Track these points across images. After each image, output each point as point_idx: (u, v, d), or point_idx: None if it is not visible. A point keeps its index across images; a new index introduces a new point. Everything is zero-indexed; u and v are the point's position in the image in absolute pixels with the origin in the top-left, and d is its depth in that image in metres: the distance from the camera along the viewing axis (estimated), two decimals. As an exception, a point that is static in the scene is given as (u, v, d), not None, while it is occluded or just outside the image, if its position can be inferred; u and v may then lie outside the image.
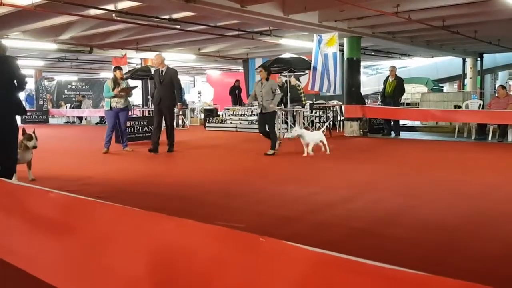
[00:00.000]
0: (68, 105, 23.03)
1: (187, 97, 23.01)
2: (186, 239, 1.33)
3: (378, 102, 14.43)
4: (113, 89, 8.63)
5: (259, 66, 8.47)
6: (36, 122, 19.95)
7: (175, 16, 10.37)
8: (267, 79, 8.27)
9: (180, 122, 16.68)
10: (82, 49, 15.38)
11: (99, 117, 19.97)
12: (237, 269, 1.17)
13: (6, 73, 4.88)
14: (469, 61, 19.35)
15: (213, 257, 1.23)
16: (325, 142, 8.44)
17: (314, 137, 8.44)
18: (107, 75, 23.97)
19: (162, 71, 8.55)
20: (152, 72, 9.37)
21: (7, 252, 1.93)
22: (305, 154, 8.11)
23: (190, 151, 9.42)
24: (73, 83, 25.41)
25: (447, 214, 4.31)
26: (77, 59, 18.54)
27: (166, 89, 8.58)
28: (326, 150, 8.38)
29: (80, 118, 21.15)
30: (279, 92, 8.50)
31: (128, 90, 8.89)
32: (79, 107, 22.07)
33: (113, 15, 9.36)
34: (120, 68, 9.10)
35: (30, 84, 26.45)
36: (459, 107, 12.15)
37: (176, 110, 10.36)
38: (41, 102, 22.17)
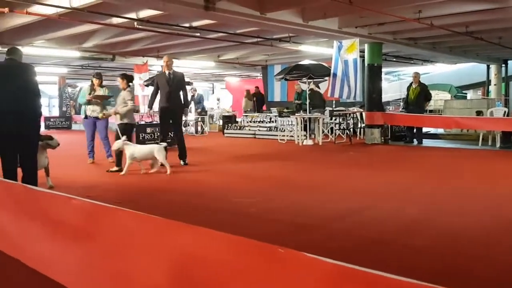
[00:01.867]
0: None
1: (206, 104, 23.15)
2: (204, 247, 1.33)
3: (401, 109, 14.25)
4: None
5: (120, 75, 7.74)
6: (59, 128, 20.35)
7: (195, 24, 10.46)
8: (124, 89, 7.63)
9: (199, 128, 16.78)
10: (104, 57, 15.65)
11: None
12: (255, 279, 1.16)
13: (30, 79, 5.01)
14: (493, 68, 18.96)
15: (231, 266, 1.21)
16: (161, 159, 7.11)
17: (141, 151, 7.23)
18: (128, 82, 24.31)
19: (169, 73, 8.01)
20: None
21: (29, 256, 1.95)
22: (122, 172, 7.07)
23: (205, 158, 9.43)
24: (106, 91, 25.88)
25: (468, 224, 4.20)
26: (99, 66, 18.86)
27: (175, 93, 8.03)
28: (167, 171, 7.13)
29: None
30: (131, 103, 7.62)
31: (102, 98, 8.33)
32: (101, 113, 22.41)
33: (135, 23, 9.50)
34: (99, 75, 8.54)
35: (54, 91, 27.04)
36: (481, 113, 11.89)
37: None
38: (64, 109, 22.62)
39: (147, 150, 7.29)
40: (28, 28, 10.43)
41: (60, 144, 5.92)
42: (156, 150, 7.14)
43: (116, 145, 7.17)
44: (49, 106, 39.39)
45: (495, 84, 18.80)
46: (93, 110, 8.22)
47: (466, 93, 22.48)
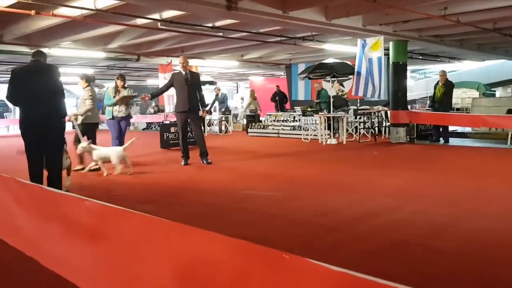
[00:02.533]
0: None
1: (230, 103, 23.24)
2: (210, 251, 1.32)
3: (427, 107, 13.98)
4: (114, 97, 8.41)
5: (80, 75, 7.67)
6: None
7: (218, 23, 10.51)
8: (84, 88, 7.63)
9: (223, 127, 16.86)
10: (129, 57, 15.89)
11: (146, 123, 20.51)
12: (259, 284, 1.14)
13: (54, 80, 5.09)
14: (524, 64, 18.41)
15: (236, 271, 1.21)
16: (115, 161, 7.10)
17: (104, 153, 7.18)
18: (154, 82, 24.64)
19: (186, 73, 8.00)
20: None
21: (46, 256, 2.00)
22: (105, 174, 7.08)
23: (229, 157, 9.46)
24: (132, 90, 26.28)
25: (494, 226, 4.08)
26: (125, 66, 19.16)
27: (193, 94, 8.01)
28: (128, 170, 7.20)
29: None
30: (90, 103, 7.50)
31: (128, 98, 8.61)
32: (127, 113, 22.72)
33: (158, 24, 9.60)
34: (122, 76, 8.75)
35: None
36: (512, 111, 11.56)
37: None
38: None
39: (107, 152, 7.22)
40: (55, 30, 10.68)
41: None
42: (113, 154, 7.14)
43: (80, 148, 7.16)
44: (76, 106, 40.29)
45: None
46: (119, 111, 8.43)
47: (494, 91, 21.86)
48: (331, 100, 12.42)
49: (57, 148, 5.19)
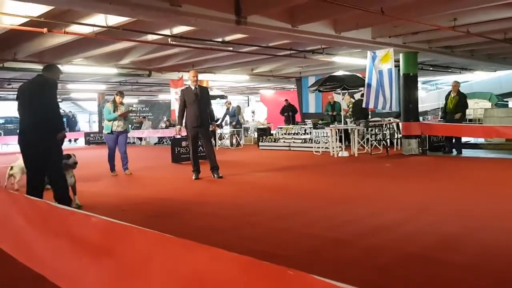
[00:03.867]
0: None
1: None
2: (217, 268, 1.31)
3: (439, 119, 13.86)
4: (114, 112, 8.74)
5: None
6: (99, 143, 20.96)
7: (227, 38, 10.60)
8: None
9: (234, 141, 16.89)
10: (141, 73, 16.09)
11: (158, 137, 20.65)
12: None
13: (45, 95, 4.93)
14: (536, 74, 18.21)
15: (242, 287, 1.19)
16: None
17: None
18: (165, 97, 24.87)
19: (196, 88, 8.05)
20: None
21: (52, 271, 2.00)
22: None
23: (240, 171, 9.45)
24: (134, 105, 26.61)
25: (509, 239, 3.99)
26: (137, 82, 19.40)
27: (204, 108, 8.06)
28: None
29: (140, 139, 21.98)
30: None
31: (127, 113, 8.98)
32: (139, 128, 22.97)
33: (169, 39, 9.72)
34: (121, 93, 9.05)
35: (94, 107, 27.96)
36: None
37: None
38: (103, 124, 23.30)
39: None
40: (67, 47, 10.86)
41: (77, 162, 5.65)
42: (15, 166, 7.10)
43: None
44: (89, 122, 40.80)
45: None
46: (118, 126, 8.78)
47: (507, 101, 21.62)
48: (351, 110, 12.38)
49: (52, 162, 4.97)
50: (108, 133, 8.87)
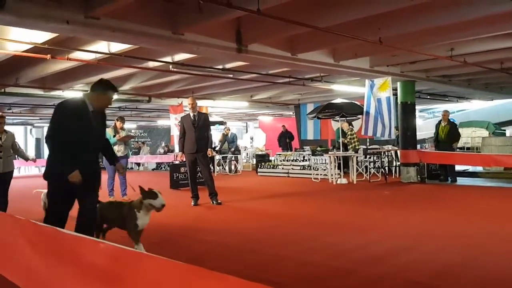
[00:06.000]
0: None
1: (240, 143, 23.39)
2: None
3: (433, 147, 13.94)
4: (114, 137, 8.81)
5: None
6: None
7: (228, 65, 10.74)
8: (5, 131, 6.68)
9: (232, 167, 16.88)
10: (141, 99, 16.20)
11: (156, 163, 20.62)
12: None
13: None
14: (533, 103, 18.41)
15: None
16: None
17: None
18: (164, 122, 24.97)
19: (194, 115, 8.12)
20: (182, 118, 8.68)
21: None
22: None
23: (238, 197, 9.42)
24: (133, 131, 26.69)
25: (509, 268, 3.97)
26: (136, 108, 19.50)
27: (202, 135, 8.08)
28: None
29: (138, 164, 21.94)
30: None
31: (127, 138, 9.09)
32: (137, 153, 22.96)
33: (170, 66, 9.84)
34: (122, 119, 9.16)
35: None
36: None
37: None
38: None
39: None
40: (69, 73, 10.95)
41: (165, 204, 4.54)
42: None
43: None
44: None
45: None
46: (117, 150, 8.81)
47: (504, 130, 21.80)
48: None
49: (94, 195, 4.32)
50: None
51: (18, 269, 2.44)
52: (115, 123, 9.11)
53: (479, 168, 13.24)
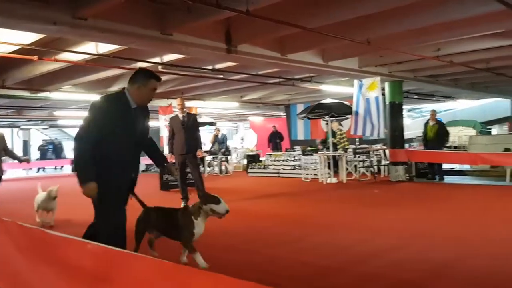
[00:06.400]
0: None
1: (231, 143, 23.38)
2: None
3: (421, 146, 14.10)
4: None
5: None
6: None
7: (218, 66, 10.73)
8: None
9: (223, 168, 16.86)
10: (130, 100, 16.08)
11: (145, 165, 20.50)
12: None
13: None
14: (518, 102, 18.68)
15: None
16: None
17: None
18: (154, 124, 24.80)
19: (183, 116, 8.06)
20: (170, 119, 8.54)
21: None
22: None
23: (229, 198, 9.40)
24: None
25: (499, 265, 4.03)
26: (125, 109, 19.35)
27: (191, 136, 8.03)
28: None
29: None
30: None
31: None
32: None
33: (159, 67, 9.80)
34: None
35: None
36: (509, 149, 11.62)
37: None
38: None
39: None
40: (56, 74, 10.84)
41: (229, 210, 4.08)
42: None
43: None
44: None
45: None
46: None
47: (490, 129, 22.11)
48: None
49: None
50: None
51: (3, 271, 2.42)
52: None
53: (466, 166, 13.40)
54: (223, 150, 17.31)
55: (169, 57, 9.47)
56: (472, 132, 18.73)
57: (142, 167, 20.85)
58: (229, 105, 18.53)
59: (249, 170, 15.59)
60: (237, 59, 8.91)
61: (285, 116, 21.44)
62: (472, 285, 3.58)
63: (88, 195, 3.28)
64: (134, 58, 9.13)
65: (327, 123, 13.38)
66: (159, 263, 1.57)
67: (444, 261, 4.23)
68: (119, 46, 7.94)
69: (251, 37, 7.84)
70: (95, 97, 14.02)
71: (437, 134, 11.72)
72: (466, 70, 11.59)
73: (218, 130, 18.10)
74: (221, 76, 11.57)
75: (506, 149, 11.63)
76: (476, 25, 7.49)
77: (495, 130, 23.61)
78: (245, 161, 18.06)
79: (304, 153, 14.13)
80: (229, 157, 17.40)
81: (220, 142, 17.56)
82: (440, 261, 4.25)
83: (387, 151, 12.97)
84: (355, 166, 13.08)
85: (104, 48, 8.23)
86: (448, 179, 11.87)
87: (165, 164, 4.13)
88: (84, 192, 3.25)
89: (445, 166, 12.59)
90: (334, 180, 12.00)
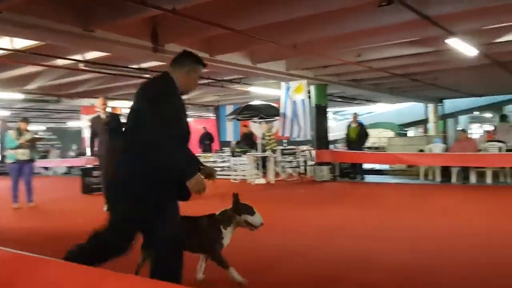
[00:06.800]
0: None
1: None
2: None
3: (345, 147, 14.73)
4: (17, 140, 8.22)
5: None
6: (1, 174, 19.27)
7: (144, 65, 10.46)
8: None
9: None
10: (49, 99, 15.24)
11: (66, 167, 19.50)
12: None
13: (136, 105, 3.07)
14: (430, 107, 20.12)
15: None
16: None
17: None
18: (75, 124, 23.71)
19: (107, 116, 7.82)
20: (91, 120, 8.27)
21: None
22: None
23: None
24: (40, 133, 24.93)
25: (417, 258, 4.32)
26: (44, 108, 18.31)
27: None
28: None
29: (46, 168, 20.55)
30: None
31: (33, 141, 8.50)
32: (45, 157, 21.50)
33: (80, 65, 9.37)
34: (26, 120, 8.67)
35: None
36: (422, 150, 12.51)
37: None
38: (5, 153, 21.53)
39: None
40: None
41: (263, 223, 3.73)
42: None
43: None
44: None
45: (434, 122, 19.87)
46: (23, 154, 8.24)
47: (407, 131, 23.65)
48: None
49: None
50: (11, 163, 8.28)
51: None
52: (19, 125, 8.45)
53: (386, 166, 14.20)
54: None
55: (92, 55, 9.08)
56: (391, 134, 19.90)
57: (62, 170, 19.85)
58: (156, 106, 18.10)
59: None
60: (164, 59, 8.72)
61: (214, 118, 21.40)
62: (390, 277, 3.78)
63: (198, 190, 2.90)
64: (53, 54, 8.65)
65: (260, 123, 13.52)
66: (68, 265, 1.49)
67: (364, 256, 4.44)
68: (37, 42, 7.48)
69: (179, 37, 7.74)
70: (11, 95, 13.12)
71: (358, 136, 12.34)
72: (385, 75, 12.30)
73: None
74: (148, 75, 11.30)
75: (420, 150, 12.49)
76: (393, 33, 7.98)
77: (411, 132, 25.27)
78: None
79: (233, 154, 14.19)
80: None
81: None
82: (363, 255, 4.45)
83: (313, 152, 13.39)
84: (283, 166, 13.37)
85: (21, 43, 7.72)
86: (368, 178, 12.52)
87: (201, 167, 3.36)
88: (194, 187, 2.87)
89: (366, 166, 13.28)
90: (262, 181, 12.17)
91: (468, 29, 7.61)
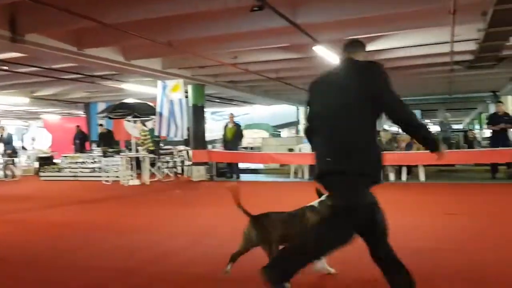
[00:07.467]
0: None
1: (18, 144, 20.83)
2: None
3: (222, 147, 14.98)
4: None
5: None
6: None
7: (2, 56, 9.41)
8: None
9: (8, 172, 14.84)
10: None
11: None
12: None
13: (362, 87, 2.79)
14: (301, 109, 21.46)
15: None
16: None
17: None
18: None
19: None
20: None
21: None
22: None
23: (15, 207, 8.37)
24: None
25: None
26: None
27: None
28: None
29: None
30: None
31: None
32: None
33: None
34: None
35: None
36: (292, 150, 13.27)
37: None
38: None
39: None
40: None
41: None
42: None
43: None
44: None
45: (304, 124, 21.21)
46: None
47: (280, 132, 24.89)
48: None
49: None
50: None
51: None
52: None
53: (261, 165, 14.77)
54: (9, 151, 15.22)
55: None
56: (265, 134, 20.75)
57: None
58: (17, 101, 16.44)
59: (42, 174, 14.14)
60: (25, 50, 7.96)
61: (85, 115, 20.11)
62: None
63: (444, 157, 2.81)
64: None
65: (134, 123, 13.01)
66: None
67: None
68: None
69: (42, 27, 7.15)
70: None
71: (234, 136, 12.65)
72: (260, 78, 12.79)
73: (3, 129, 15.83)
74: (6, 67, 10.22)
75: (290, 150, 13.22)
76: (265, 38, 8.33)
77: (284, 133, 26.63)
78: (37, 164, 16.29)
79: (104, 154, 13.49)
80: (16, 160, 15.43)
81: (5, 142, 15.40)
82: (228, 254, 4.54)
83: (190, 152, 13.36)
84: (159, 167, 13.10)
85: None
86: (244, 177, 12.90)
87: None
88: (443, 155, 2.80)
89: (242, 165, 13.65)
90: (137, 182, 11.78)
91: (331, 38, 8.26)
